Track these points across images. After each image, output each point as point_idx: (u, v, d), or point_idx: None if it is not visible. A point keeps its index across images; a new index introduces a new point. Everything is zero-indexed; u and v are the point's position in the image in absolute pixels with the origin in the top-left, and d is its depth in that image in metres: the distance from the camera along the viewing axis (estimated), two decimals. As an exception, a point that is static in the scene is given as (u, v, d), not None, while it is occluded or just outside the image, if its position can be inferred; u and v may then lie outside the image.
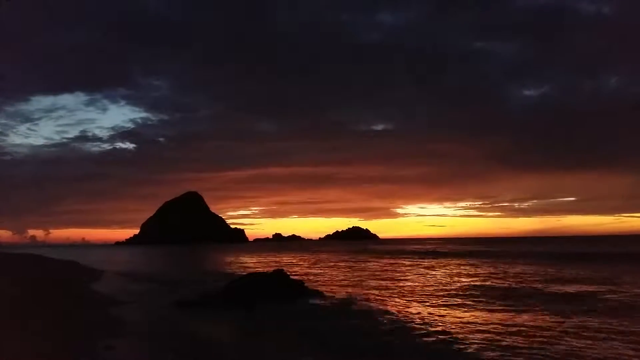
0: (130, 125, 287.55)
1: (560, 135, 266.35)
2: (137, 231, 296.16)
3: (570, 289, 23.62)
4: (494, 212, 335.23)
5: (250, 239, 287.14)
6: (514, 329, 14.20)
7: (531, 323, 15.00)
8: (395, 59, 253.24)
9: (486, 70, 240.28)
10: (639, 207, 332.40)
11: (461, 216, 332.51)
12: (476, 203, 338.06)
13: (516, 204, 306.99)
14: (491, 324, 15.02)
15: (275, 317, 17.56)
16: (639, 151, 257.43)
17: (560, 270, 34.10)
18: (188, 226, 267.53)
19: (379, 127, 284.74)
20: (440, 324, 15.33)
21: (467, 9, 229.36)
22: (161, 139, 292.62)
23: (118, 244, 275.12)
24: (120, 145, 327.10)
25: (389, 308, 18.71)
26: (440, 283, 27.74)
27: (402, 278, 31.62)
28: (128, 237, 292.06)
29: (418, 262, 48.30)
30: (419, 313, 17.61)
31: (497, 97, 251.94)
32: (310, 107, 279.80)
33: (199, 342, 13.83)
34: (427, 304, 19.93)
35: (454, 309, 18.27)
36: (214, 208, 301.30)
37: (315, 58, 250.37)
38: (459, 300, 20.59)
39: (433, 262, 47.26)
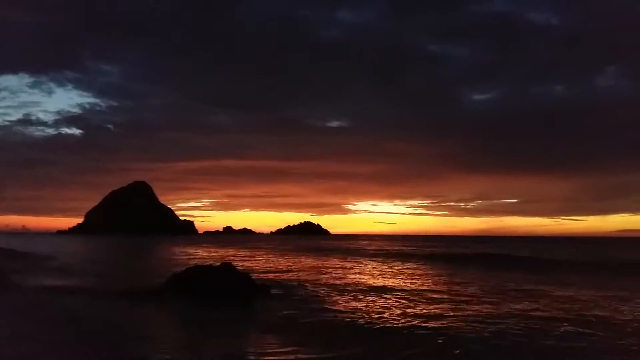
0: (77, 110, 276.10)
1: (506, 139, 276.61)
2: (81, 220, 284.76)
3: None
4: (441, 211, 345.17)
5: (200, 231, 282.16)
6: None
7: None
8: (353, 58, 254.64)
9: (440, 73, 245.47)
10: (577, 210, 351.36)
11: (410, 214, 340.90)
12: (425, 202, 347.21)
13: (462, 204, 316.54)
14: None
15: (218, 309, 17.24)
16: (578, 156, 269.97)
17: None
18: (135, 217, 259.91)
19: (335, 124, 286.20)
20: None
21: (424, 11, 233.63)
22: (110, 126, 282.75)
23: (60, 232, 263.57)
24: (65, 130, 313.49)
25: (326, 303, 18.66)
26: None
27: (344, 273, 31.74)
28: (71, 226, 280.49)
29: (359, 261, 48.69)
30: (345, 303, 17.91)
31: (450, 99, 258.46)
32: (266, 101, 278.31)
33: (129, 332, 13.57)
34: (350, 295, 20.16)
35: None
36: (163, 199, 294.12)
37: (273, 52, 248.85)
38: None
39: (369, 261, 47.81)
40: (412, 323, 14.47)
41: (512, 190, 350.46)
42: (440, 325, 13.91)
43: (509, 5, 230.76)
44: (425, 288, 23.13)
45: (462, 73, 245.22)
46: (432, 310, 16.46)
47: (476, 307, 17.05)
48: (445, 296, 20.04)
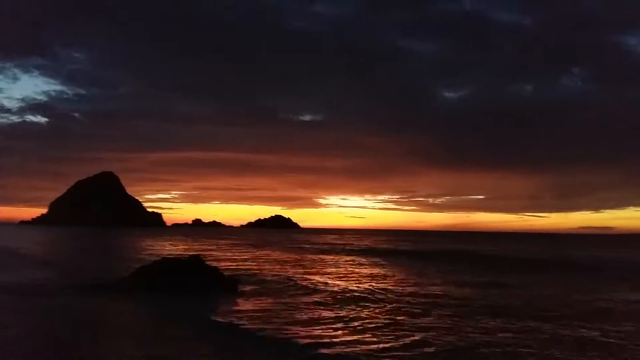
0: (43, 97, 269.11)
1: (474, 136, 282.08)
2: (45, 211, 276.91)
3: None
4: (411, 206, 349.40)
5: (169, 223, 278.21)
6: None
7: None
8: (326, 51, 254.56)
9: (412, 69, 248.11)
10: (540, 207, 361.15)
11: (380, 209, 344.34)
12: (395, 197, 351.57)
13: (431, 200, 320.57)
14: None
15: (179, 305, 16.98)
16: (543, 155, 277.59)
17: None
18: (101, 208, 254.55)
19: (307, 117, 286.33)
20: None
21: (398, 8, 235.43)
22: (76, 115, 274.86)
23: (23, 223, 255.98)
24: (30, 118, 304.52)
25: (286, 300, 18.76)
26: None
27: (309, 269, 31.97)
28: (35, 216, 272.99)
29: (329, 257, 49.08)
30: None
31: (421, 96, 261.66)
32: (238, 92, 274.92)
33: (85, 326, 13.45)
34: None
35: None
36: (130, 190, 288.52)
37: (247, 43, 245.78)
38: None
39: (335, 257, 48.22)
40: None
41: (480, 186, 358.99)
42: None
43: (480, 4, 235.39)
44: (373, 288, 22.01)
45: (434, 70, 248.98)
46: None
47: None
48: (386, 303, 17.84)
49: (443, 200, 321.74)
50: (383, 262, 35.72)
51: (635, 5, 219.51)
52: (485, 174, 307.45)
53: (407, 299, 18.65)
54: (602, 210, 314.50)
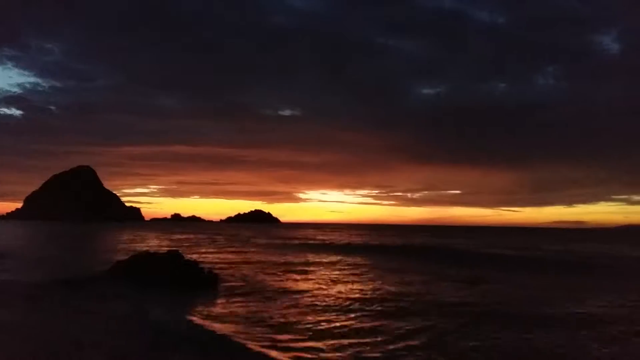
0: (17, 89, 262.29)
1: (451, 133, 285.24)
2: (19, 205, 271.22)
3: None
4: (389, 200, 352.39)
5: (147, 218, 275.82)
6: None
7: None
8: (305, 46, 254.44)
9: (390, 65, 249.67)
10: (515, 202, 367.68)
11: (359, 203, 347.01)
12: (374, 192, 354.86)
13: (409, 194, 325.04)
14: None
15: (158, 301, 16.87)
16: (518, 151, 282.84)
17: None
18: (77, 202, 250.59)
19: (287, 112, 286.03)
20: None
21: (376, 3, 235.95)
22: (52, 107, 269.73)
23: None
24: (4, 111, 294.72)
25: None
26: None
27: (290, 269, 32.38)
28: (9, 211, 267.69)
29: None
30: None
31: (399, 92, 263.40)
32: (218, 86, 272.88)
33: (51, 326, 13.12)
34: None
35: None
36: (108, 184, 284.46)
37: (226, 37, 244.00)
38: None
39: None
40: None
41: (457, 181, 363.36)
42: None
43: (457, 2, 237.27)
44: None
45: (412, 66, 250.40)
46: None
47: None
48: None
49: (421, 195, 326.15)
50: (364, 262, 34.60)
51: (608, 5, 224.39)
52: (462, 169, 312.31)
53: (391, 303, 17.49)
54: (574, 205, 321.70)
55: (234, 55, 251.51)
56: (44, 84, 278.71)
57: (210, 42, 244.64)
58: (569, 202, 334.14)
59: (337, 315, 15.16)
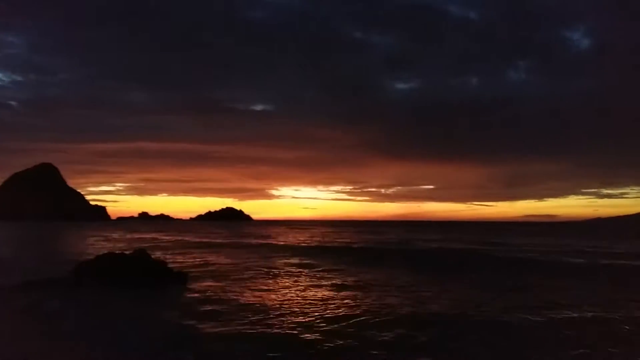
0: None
1: (424, 128, 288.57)
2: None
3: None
4: (363, 196, 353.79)
5: (113, 217, 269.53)
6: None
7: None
8: (277, 41, 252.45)
9: (363, 61, 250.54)
10: (487, 196, 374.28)
11: (333, 199, 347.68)
12: (347, 187, 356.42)
13: (382, 190, 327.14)
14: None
15: (123, 303, 16.07)
16: (490, 146, 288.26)
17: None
18: (40, 201, 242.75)
19: (259, 107, 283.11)
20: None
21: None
22: (13, 103, 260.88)
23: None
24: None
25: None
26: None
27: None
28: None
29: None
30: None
31: (373, 87, 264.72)
32: (187, 81, 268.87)
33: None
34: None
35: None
36: (71, 182, 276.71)
37: (197, 31, 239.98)
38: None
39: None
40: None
41: (430, 177, 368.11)
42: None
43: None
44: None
45: (385, 62, 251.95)
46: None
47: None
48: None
49: (394, 190, 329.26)
50: (337, 267, 29.60)
51: (577, 1, 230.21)
52: (434, 164, 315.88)
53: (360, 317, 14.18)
54: (545, 199, 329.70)
55: (205, 49, 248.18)
56: (4, 79, 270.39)
57: (180, 36, 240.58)
58: (541, 196, 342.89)
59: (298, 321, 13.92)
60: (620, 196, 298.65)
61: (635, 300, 17.51)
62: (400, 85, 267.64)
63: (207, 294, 17.82)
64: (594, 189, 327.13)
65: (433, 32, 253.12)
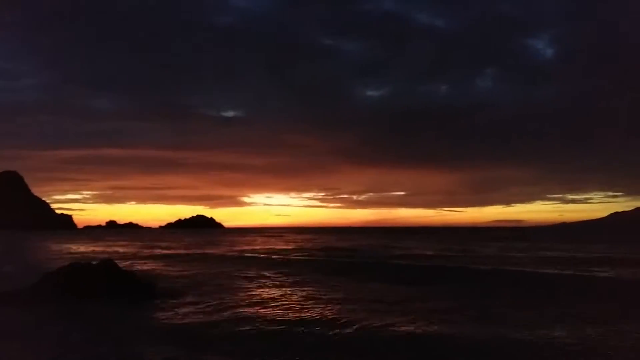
0: None
1: (395, 135, 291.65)
2: None
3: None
4: (335, 203, 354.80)
5: (80, 225, 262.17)
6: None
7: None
8: (249, 46, 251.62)
9: (334, 67, 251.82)
10: (457, 202, 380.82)
11: (305, 206, 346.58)
12: (320, 194, 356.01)
13: (354, 196, 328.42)
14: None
15: (87, 316, 15.52)
16: (459, 153, 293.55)
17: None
18: (3, 210, 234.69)
19: (230, 113, 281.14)
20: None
21: (319, 5, 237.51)
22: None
23: None
24: None
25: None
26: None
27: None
28: None
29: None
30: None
31: (343, 94, 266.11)
32: (155, 86, 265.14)
33: None
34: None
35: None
36: (36, 191, 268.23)
37: (165, 36, 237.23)
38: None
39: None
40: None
41: (401, 183, 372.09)
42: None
43: (399, 5, 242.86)
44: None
45: (356, 68, 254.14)
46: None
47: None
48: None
49: (366, 197, 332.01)
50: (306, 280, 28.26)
51: (541, 11, 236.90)
52: (405, 171, 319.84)
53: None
54: (512, 205, 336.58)
55: (174, 54, 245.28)
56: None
57: (148, 41, 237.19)
58: (508, 202, 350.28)
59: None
60: (584, 201, 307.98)
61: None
62: (371, 93, 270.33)
63: (175, 305, 17.39)
64: (560, 194, 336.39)
65: (402, 39, 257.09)
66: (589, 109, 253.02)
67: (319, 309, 16.20)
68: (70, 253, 47.50)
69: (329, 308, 16.51)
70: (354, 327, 13.62)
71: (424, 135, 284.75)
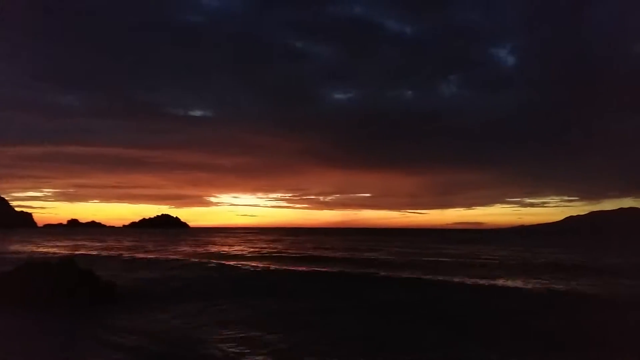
0: None
1: (362, 137, 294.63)
2: None
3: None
4: (302, 204, 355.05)
5: (40, 224, 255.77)
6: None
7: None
8: (217, 46, 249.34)
9: (303, 70, 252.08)
10: (420, 204, 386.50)
11: (272, 207, 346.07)
12: (287, 195, 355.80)
13: (321, 197, 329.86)
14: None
15: (43, 317, 15.68)
16: (423, 156, 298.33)
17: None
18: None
19: (198, 113, 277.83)
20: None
21: (289, 7, 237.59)
22: None
23: None
24: None
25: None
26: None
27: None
28: None
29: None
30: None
31: (312, 96, 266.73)
32: (122, 84, 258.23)
33: None
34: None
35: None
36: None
37: (132, 33, 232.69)
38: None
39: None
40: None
41: (367, 185, 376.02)
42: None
43: (368, 10, 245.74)
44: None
45: (324, 71, 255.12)
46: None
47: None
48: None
49: (333, 198, 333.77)
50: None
51: (504, 21, 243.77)
52: (372, 173, 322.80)
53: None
54: (473, 208, 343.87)
55: (143, 53, 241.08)
56: None
57: (115, 37, 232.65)
58: (469, 205, 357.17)
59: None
60: (542, 205, 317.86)
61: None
62: (339, 96, 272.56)
63: (135, 308, 17.80)
64: (518, 198, 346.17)
65: (370, 44, 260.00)
66: (548, 117, 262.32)
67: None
68: (28, 252, 46.84)
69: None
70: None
71: (390, 138, 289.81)
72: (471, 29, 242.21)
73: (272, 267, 32.22)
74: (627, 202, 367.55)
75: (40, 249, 52.79)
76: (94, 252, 48.81)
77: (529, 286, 22.74)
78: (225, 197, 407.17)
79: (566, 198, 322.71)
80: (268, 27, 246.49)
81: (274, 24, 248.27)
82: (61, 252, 47.18)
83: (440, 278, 25.43)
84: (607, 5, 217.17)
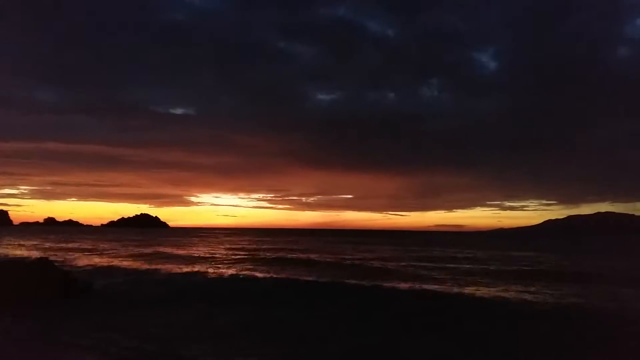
0: None
1: (344, 138, 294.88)
2: None
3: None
4: (284, 204, 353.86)
5: (16, 222, 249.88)
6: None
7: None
8: (200, 44, 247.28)
9: (286, 70, 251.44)
10: (401, 206, 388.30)
11: (254, 207, 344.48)
12: (268, 195, 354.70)
13: (303, 198, 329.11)
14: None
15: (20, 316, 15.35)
16: (404, 159, 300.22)
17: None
18: None
19: (179, 111, 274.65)
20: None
21: (274, 7, 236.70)
22: None
23: None
24: None
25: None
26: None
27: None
28: None
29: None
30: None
31: (295, 96, 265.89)
32: (101, 80, 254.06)
33: None
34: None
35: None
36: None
37: (112, 29, 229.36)
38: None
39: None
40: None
41: (349, 186, 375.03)
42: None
43: (352, 13, 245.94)
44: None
45: (308, 72, 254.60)
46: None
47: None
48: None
49: (315, 199, 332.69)
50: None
51: (485, 25, 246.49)
52: (353, 174, 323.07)
53: None
54: (454, 210, 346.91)
55: (124, 49, 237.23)
56: None
57: (98, 34, 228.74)
58: (449, 207, 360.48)
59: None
60: (521, 208, 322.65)
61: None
62: (322, 96, 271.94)
63: (112, 307, 17.58)
64: (498, 201, 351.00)
65: (352, 45, 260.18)
66: (528, 121, 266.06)
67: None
68: (4, 250, 45.87)
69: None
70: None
71: (371, 140, 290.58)
72: (454, 32, 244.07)
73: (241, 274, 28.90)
74: (604, 207, 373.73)
75: (18, 247, 51.67)
76: (75, 250, 48.03)
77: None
78: (206, 197, 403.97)
79: (545, 202, 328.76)
80: (251, 27, 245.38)
81: (257, 23, 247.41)
82: (37, 249, 46.16)
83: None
84: (590, 10, 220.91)
